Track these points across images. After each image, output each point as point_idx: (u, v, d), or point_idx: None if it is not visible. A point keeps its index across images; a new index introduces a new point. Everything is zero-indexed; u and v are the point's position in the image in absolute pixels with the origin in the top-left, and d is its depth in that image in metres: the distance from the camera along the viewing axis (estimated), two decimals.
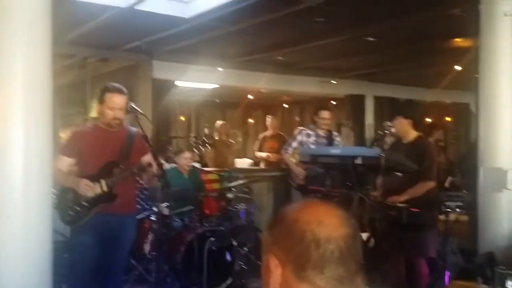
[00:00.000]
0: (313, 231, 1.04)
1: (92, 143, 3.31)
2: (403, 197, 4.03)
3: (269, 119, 8.33)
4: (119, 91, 3.33)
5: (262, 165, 8.07)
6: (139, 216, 5.17)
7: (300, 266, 1.03)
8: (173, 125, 10.55)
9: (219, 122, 8.32)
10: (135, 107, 3.39)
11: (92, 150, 3.30)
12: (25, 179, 2.94)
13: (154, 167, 3.26)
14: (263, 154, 7.98)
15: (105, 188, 3.22)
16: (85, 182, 3.20)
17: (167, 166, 5.55)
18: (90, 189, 3.20)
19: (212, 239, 4.75)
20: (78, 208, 3.21)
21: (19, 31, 2.97)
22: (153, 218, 5.20)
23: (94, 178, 3.24)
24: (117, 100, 3.29)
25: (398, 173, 3.95)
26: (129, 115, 3.43)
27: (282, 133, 8.44)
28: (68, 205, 3.24)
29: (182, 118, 12.15)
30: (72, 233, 3.34)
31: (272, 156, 7.88)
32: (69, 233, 3.43)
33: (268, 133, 8.23)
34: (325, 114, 5.67)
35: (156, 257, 5.15)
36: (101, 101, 3.30)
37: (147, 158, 3.42)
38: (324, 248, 1.03)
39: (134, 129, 3.44)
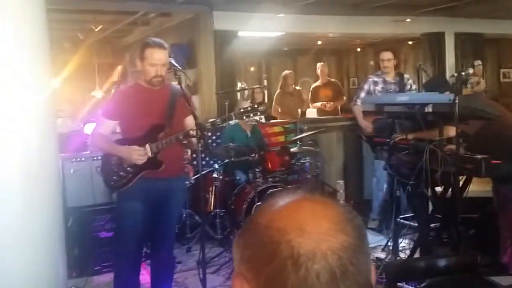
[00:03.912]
0: (290, 243, 0.71)
1: (135, 104, 3.15)
2: None
3: (319, 66, 7.94)
4: (160, 46, 3.11)
5: (314, 115, 7.80)
6: (202, 174, 5.11)
7: None
8: (242, 77, 10.34)
9: (285, 72, 7.99)
10: (174, 63, 3.18)
11: (136, 111, 3.15)
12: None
13: (194, 130, 3.04)
14: (318, 104, 7.67)
15: (150, 154, 3.08)
16: (137, 152, 3.04)
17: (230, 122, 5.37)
18: (143, 158, 3.06)
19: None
20: (122, 173, 3.10)
21: None
22: (215, 175, 5.11)
23: (139, 142, 3.09)
24: (158, 56, 3.08)
25: None
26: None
27: (333, 80, 8.04)
28: (112, 170, 3.14)
29: (252, 69, 11.89)
30: (118, 198, 3.25)
31: (328, 105, 7.56)
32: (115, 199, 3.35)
33: (320, 82, 7.87)
34: (385, 55, 5.15)
35: (220, 215, 5.10)
36: (142, 58, 3.10)
37: (190, 120, 3.21)
38: (306, 268, 0.70)
39: (176, 87, 3.24)
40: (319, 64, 8.08)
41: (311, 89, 8.09)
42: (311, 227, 0.73)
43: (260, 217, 0.78)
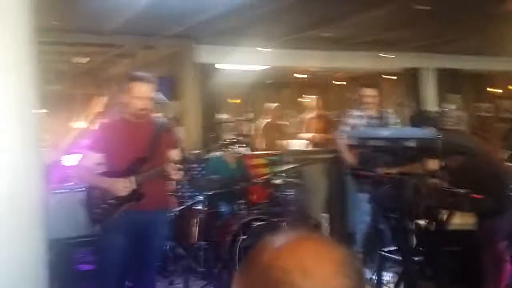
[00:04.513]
0: (293, 284, 0.72)
1: (119, 137, 3.16)
2: None
3: (313, 99, 8.05)
4: (145, 80, 3.14)
5: (305, 147, 7.85)
6: (185, 205, 5.07)
7: None
8: (226, 109, 10.39)
9: (271, 105, 8.08)
10: (162, 97, 3.21)
11: (120, 144, 3.15)
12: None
13: (180, 162, 3.05)
14: (309, 135, 7.76)
15: (133, 186, 3.06)
16: (121, 183, 3.05)
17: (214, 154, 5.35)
18: (126, 190, 3.04)
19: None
20: (104, 206, 3.08)
21: None
22: (199, 207, 5.07)
23: (123, 174, 3.09)
24: (144, 89, 3.11)
25: None
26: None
27: (325, 114, 8.17)
28: (95, 202, 3.11)
29: (237, 101, 11.96)
30: (100, 231, 3.21)
31: (318, 137, 7.65)
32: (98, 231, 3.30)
33: (312, 114, 7.98)
34: (367, 91, 5.24)
35: (204, 247, 5.04)
36: (128, 91, 3.12)
37: (175, 153, 3.22)
38: None
39: (161, 120, 3.26)
40: (313, 97, 8.18)
41: (306, 120, 8.18)
42: (315, 268, 0.74)
43: (262, 255, 0.77)
